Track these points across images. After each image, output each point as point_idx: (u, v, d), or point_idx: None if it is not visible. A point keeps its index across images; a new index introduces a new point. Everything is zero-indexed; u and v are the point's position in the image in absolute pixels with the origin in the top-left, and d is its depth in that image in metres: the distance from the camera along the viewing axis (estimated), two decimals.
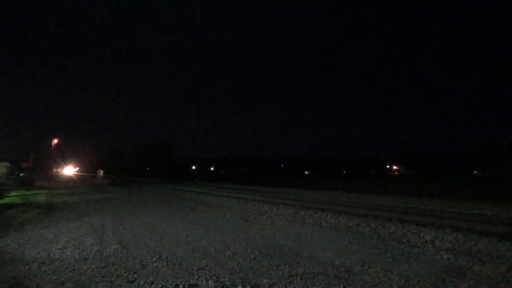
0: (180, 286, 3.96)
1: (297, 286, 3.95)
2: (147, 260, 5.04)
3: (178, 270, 4.57)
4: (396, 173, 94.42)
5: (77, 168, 60.04)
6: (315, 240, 6.46)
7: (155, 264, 4.86)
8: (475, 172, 74.94)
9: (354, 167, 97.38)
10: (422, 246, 5.89)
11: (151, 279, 4.20)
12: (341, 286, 3.94)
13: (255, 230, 7.46)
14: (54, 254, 5.46)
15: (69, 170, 51.38)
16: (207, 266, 4.74)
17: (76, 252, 5.57)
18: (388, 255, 5.28)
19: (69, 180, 36.23)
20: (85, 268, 4.70)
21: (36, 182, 27.99)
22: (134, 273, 4.46)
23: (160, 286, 3.98)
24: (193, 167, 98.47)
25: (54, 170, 46.41)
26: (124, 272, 4.48)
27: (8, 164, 25.06)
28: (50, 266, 4.81)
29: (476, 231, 6.71)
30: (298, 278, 4.20)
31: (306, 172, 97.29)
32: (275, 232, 7.30)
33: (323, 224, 8.25)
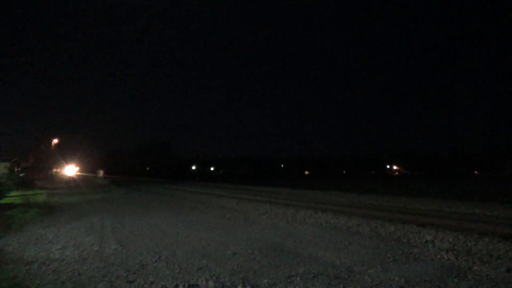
0: (180, 286, 3.95)
1: (297, 286, 3.94)
2: (147, 260, 5.04)
3: (178, 270, 4.57)
4: (396, 173, 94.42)
5: (78, 168, 60.08)
6: (315, 240, 6.46)
7: (155, 264, 4.86)
8: (475, 172, 74.94)
9: (354, 167, 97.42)
10: (422, 246, 5.88)
11: (151, 279, 4.20)
12: (341, 286, 3.93)
13: (255, 230, 7.46)
14: (54, 254, 5.45)
15: (70, 170, 51.43)
16: (207, 266, 4.74)
17: (76, 252, 5.57)
18: (388, 255, 5.28)
19: (69, 180, 36.27)
20: (85, 268, 4.69)
21: (36, 182, 27.99)
22: (134, 273, 4.45)
23: (160, 286, 3.98)
24: (193, 167, 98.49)
25: (54, 170, 46.45)
26: (124, 272, 4.48)
27: (8, 164, 25.03)
28: (50, 266, 4.81)
29: (476, 231, 6.71)
30: (298, 278, 4.20)
31: (306, 172, 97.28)
32: (275, 232, 7.30)
33: (323, 224, 8.25)
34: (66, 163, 49.35)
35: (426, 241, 6.16)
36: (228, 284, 4.03)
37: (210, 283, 4.05)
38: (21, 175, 30.60)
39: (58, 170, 47.91)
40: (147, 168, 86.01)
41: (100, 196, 17.40)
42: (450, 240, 6.13)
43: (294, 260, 5.02)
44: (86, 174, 58.38)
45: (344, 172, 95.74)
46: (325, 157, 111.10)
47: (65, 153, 48.34)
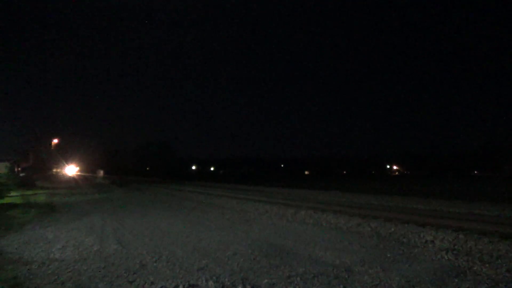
0: (180, 286, 3.95)
1: (297, 286, 3.94)
2: (147, 260, 5.04)
3: (178, 270, 4.57)
4: (396, 173, 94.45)
5: (78, 168, 60.13)
6: (315, 240, 6.46)
7: (155, 264, 4.86)
8: (475, 172, 74.93)
9: (354, 167, 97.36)
10: (422, 246, 5.88)
11: (151, 279, 4.20)
12: (341, 286, 3.93)
13: (255, 230, 7.46)
14: (54, 254, 5.45)
15: (71, 170, 51.49)
16: (207, 266, 4.74)
17: (76, 252, 5.57)
18: (388, 255, 5.28)
19: (69, 180, 36.29)
20: (85, 268, 4.70)
21: (36, 182, 27.98)
22: (134, 273, 4.45)
23: (160, 286, 3.98)
24: (193, 167, 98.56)
25: (54, 170, 46.48)
26: (124, 272, 4.48)
27: (8, 164, 25.02)
28: (50, 266, 4.81)
29: (476, 231, 6.71)
30: (298, 278, 4.20)
31: (306, 172, 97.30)
32: (275, 232, 7.30)
33: (323, 224, 8.25)
34: (66, 163, 49.38)
35: (426, 241, 6.16)
36: (228, 284, 4.03)
37: (210, 283, 4.05)
38: (21, 175, 30.63)
39: (58, 170, 47.92)
40: (147, 168, 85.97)
41: (100, 196, 17.41)
42: (450, 240, 6.13)
43: (294, 260, 5.02)
44: (86, 174, 58.41)
45: (344, 172, 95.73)
46: (325, 157, 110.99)
47: (65, 153, 48.38)
